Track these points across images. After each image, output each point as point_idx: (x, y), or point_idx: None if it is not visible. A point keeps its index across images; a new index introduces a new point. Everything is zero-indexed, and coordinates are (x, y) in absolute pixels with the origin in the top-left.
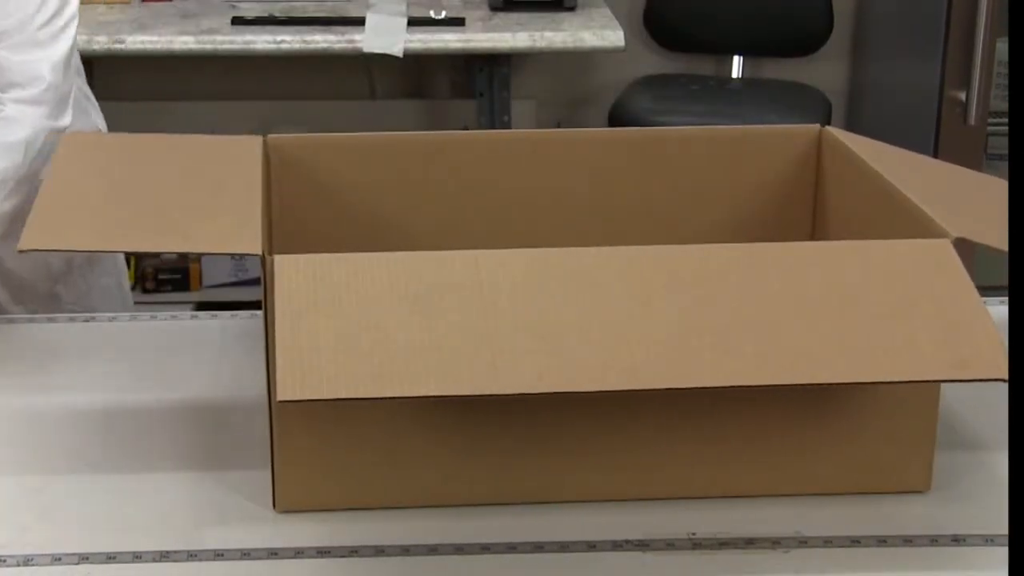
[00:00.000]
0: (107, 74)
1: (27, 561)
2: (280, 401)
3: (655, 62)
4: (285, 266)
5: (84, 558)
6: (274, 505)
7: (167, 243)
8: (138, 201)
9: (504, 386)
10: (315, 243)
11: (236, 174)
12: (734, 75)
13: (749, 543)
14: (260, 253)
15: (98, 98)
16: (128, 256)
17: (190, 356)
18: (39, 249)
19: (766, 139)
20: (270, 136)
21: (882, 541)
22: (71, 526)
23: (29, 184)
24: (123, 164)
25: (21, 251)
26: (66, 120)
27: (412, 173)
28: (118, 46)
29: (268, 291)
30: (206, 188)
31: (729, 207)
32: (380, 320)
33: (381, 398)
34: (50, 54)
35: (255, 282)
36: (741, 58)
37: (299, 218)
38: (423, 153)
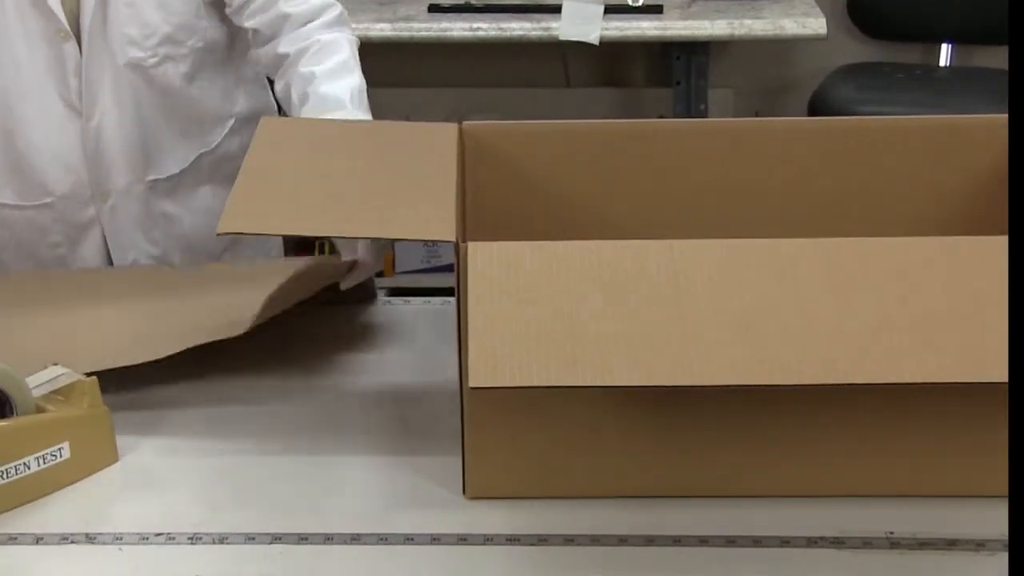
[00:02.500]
0: None
1: (222, 539)
2: (471, 388)
3: (858, 50)
4: (478, 253)
5: (277, 538)
6: (464, 491)
7: (361, 228)
8: (333, 186)
9: (696, 378)
10: (508, 230)
11: (431, 161)
12: (942, 63)
13: (951, 544)
14: (454, 240)
15: None
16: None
17: (383, 341)
18: (237, 232)
19: (977, 130)
20: (465, 123)
21: None
22: (264, 506)
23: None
24: (319, 149)
25: (219, 234)
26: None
27: (608, 161)
28: None
29: (461, 278)
30: (401, 174)
31: (936, 201)
32: (572, 309)
33: (572, 387)
34: None
35: (447, 268)
36: (950, 45)
37: (493, 205)
38: (619, 141)
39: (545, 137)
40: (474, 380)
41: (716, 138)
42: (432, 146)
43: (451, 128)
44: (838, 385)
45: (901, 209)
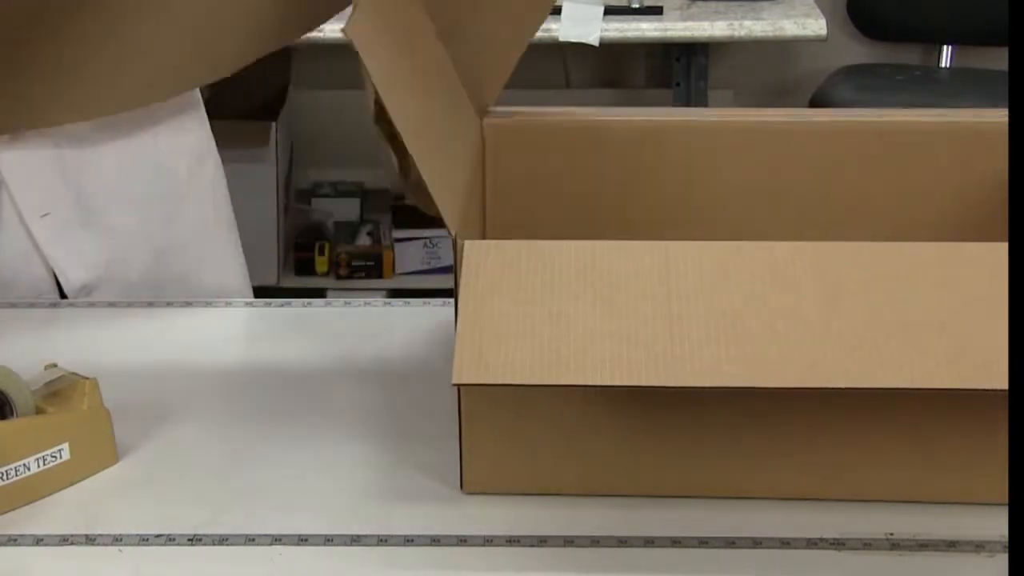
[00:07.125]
0: (305, 62)
1: (222, 541)
2: (453, 384)
3: (857, 51)
4: (473, 251)
5: (277, 539)
6: (461, 486)
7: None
8: None
9: (680, 379)
10: (529, 227)
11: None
12: (942, 65)
13: (951, 545)
14: (453, 236)
15: (296, 86)
16: (323, 243)
17: (383, 342)
18: None
19: (999, 132)
20: (487, 119)
21: None
22: (265, 507)
23: None
24: None
25: None
26: None
27: (636, 157)
28: (317, 35)
29: (458, 275)
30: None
31: (961, 205)
32: (563, 308)
33: (555, 385)
34: None
35: (447, 270)
36: (950, 47)
37: (514, 202)
38: (651, 135)
39: (570, 132)
40: (457, 377)
41: (748, 135)
42: (455, 136)
43: (473, 122)
44: (826, 389)
45: (927, 212)
